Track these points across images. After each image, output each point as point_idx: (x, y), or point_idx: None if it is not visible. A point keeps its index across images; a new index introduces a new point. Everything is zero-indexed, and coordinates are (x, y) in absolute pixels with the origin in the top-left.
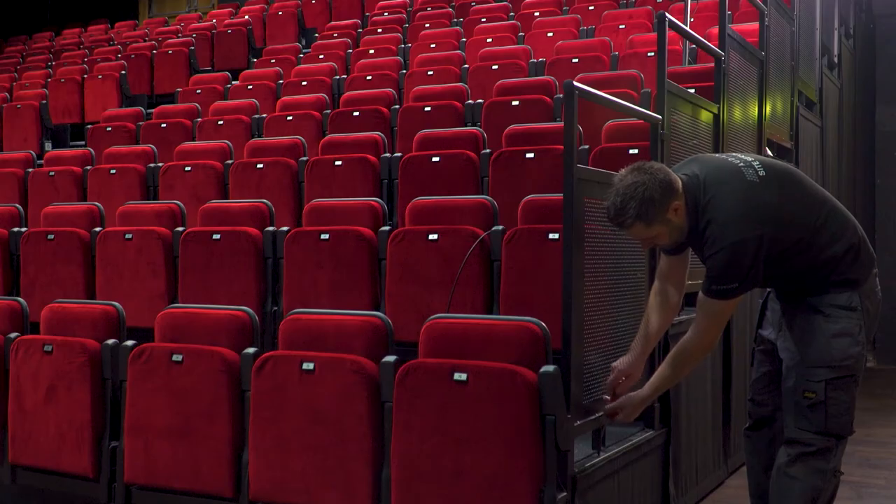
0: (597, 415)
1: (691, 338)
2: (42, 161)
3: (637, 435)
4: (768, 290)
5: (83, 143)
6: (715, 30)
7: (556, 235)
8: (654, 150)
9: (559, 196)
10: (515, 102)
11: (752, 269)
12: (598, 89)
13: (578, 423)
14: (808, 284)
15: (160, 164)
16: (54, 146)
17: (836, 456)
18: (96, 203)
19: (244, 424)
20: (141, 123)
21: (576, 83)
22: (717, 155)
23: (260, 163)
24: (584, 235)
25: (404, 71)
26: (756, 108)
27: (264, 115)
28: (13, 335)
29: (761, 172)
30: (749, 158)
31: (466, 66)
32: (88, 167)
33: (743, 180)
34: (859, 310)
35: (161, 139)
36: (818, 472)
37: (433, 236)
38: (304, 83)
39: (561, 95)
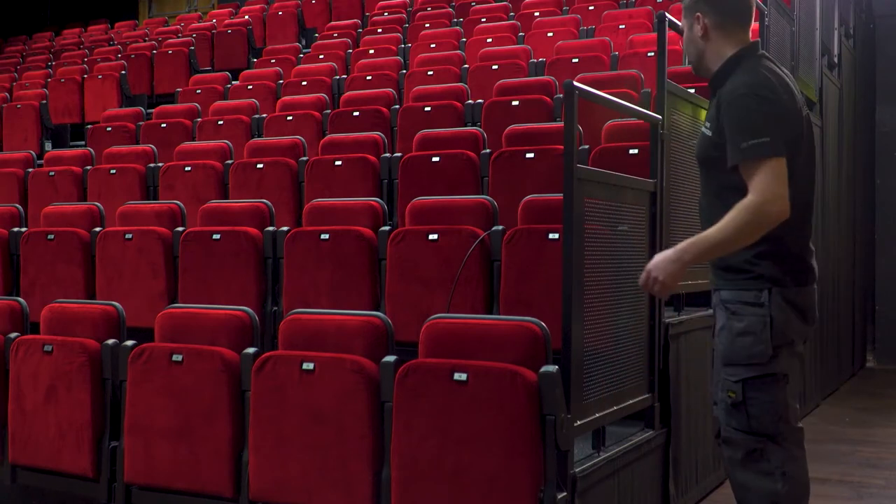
0: (597, 415)
1: (750, 199)
2: (42, 161)
3: (637, 435)
4: None
5: (83, 143)
6: None
7: (556, 235)
8: (655, 150)
9: (559, 196)
10: (515, 102)
11: (777, 122)
12: (598, 89)
13: (578, 423)
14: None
15: (160, 164)
16: (54, 146)
17: (775, 456)
18: (96, 203)
19: (244, 424)
20: (141, 123)
21: (576, 83)
22: None
23: (260, 163)
24: (584, 235)
25: (404, 71)
26: None
27: (264, 115)
28: (13, 335)
29: (806, 112)
30: (805, 106)
31: (466, 66)
32: (88, 167)
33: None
34: (766, 306)
35: (161, 139)
36: (763, 474)
37: (433, 236)
38: (304, 83)
39: (561, 95)
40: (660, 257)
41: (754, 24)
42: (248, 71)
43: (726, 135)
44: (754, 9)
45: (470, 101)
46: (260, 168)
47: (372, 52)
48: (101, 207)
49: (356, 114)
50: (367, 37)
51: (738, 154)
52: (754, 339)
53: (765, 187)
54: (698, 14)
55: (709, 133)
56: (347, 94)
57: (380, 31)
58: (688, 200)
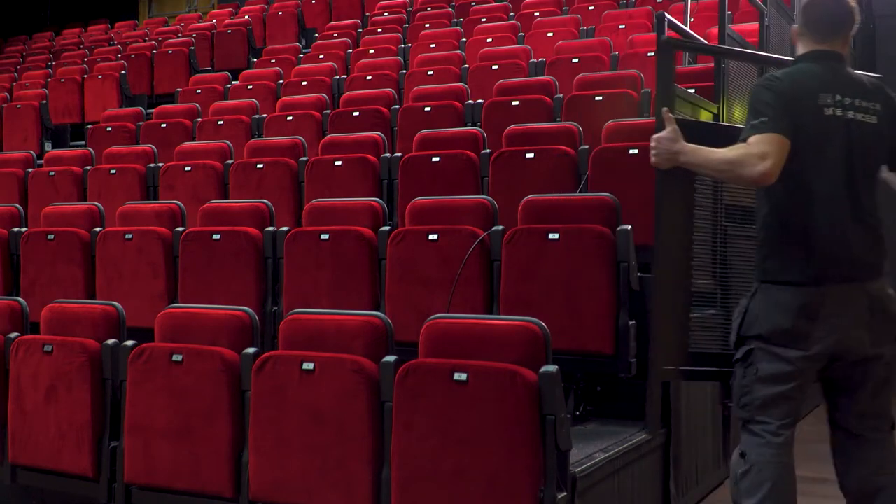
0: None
1: (743, 147)
2: (42, 161)
3: (637, 435)
4: None
5: (83, 143)
6: (715, 30)
7: (556, 235)
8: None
9: (559, 196)
10: (515, 102)
11: (776, 106)
12: (598, 89)
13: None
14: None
15: (160, 164)
16: (54, 146)
17: (742, 438)
18: (96, 203)
19: (244, 424)
20: (141, 123)
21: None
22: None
23: (260, 163)
24: None
25: (404, 71)
26: None
27: (264, 115)
28: (13, 335)
29: (840, 113)
30: (848, 109)
31: (466, 66)
32: (88, 167)
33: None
34: (749, 298)
35: (161, 139)
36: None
37: (433, 236)
38: (304, 83)
39: (561, 95)
40: (668, 139)
41: (754, 25)
42: (248, 71)
43: None
44: (842, 22)
45: (470, 101)
46: (260, 168)
47: (372, 52)
48: (101, 207)
49: (356, 114)
50: (367, 37)
51: (745, 132)
52: (732, 325)
53: (757, 145)
54: (794, 26)
55: None
56: (347, 94)
57: (380, 31)
58: None
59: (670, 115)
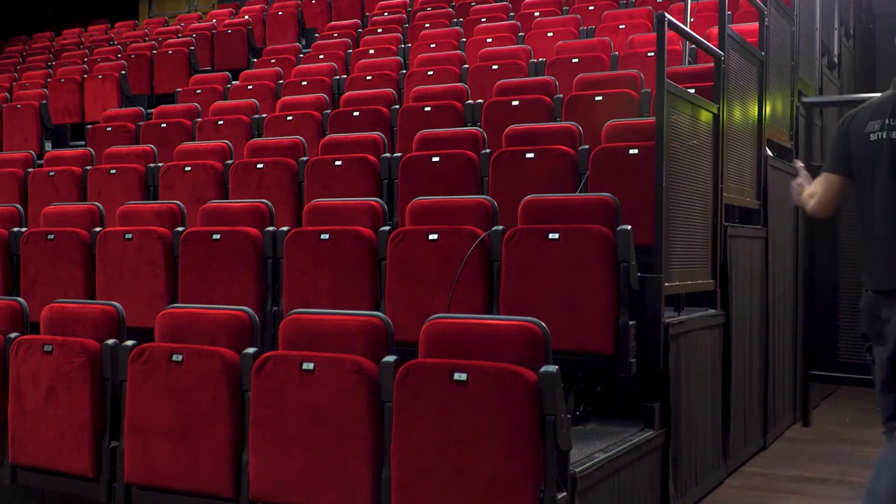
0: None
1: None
2: (42, 161)
3: (637, 435)
4: None
5: (83, 143)
6: (715, 30)
7: (556, 235)
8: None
9: (559, 196)
10: (515, 102)
11: (834, 147)
12: (598, 89)
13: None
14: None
15: (160, 164)
16: (54, 146)
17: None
18: (96, 203)
19: (244, 424)
20: (141, 123)
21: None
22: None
23: (260, 163)
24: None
25: (404, 71)
26: (756, 108)
27: (264, 115)
28: (13, 335)
29: (885, 136)
30: (893, 129)
31: (466, 66)
32: (88, 167)
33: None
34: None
35: (161, 139)
36: None
37: (433, 236)
38: (304, 83)
39: (561, 96)
40: (799, 185)
41: (754, 25)
42: (248, 71)
43: None
44: None
45: (470, 101)
46: (260, 168)
47: (372, 52)
48: (101, 207)
49: (356, 114)
50: (367, 37)
51: None
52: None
53: (812, 185)
54: None
55: None
56: (347, 94)
57: (380, 31)
58: (687, 199)
59: (800, 164)
